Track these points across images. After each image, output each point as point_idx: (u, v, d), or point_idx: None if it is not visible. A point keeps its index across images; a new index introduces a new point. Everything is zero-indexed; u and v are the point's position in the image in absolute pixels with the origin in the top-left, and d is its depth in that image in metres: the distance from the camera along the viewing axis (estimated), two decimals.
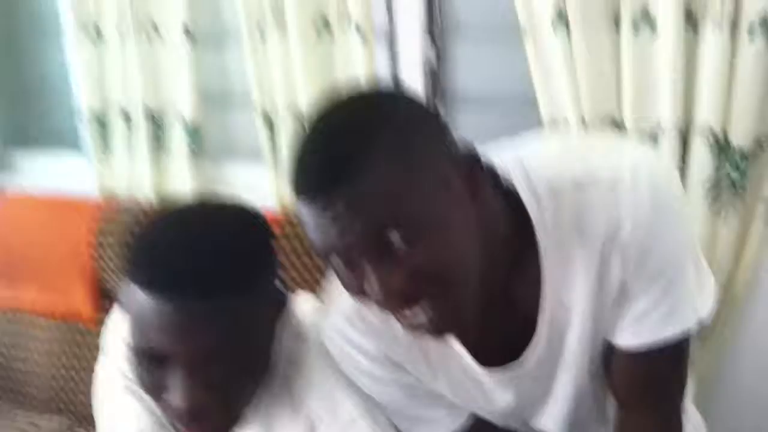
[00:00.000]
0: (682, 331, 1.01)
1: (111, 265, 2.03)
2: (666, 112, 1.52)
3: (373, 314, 1.08)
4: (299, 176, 0.91)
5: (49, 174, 2.49)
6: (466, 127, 1.77)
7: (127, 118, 2.20)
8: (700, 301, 1.04)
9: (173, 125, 2.15)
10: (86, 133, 2.27)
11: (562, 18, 1.56)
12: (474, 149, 0.96)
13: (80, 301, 2.11)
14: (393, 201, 0.87)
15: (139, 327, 1.00)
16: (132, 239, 1.04)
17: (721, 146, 1.51)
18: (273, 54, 1.91)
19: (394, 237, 0.87)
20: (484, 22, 1.83)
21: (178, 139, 2.15)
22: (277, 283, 1.13)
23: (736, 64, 1.45)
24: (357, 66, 1.83)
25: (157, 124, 2.17)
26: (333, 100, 0.95)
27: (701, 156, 1.52)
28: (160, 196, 2.18)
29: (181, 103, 2.10)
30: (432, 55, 1.86)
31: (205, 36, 2.09)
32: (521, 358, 1.07)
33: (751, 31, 1.42)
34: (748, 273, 1.58)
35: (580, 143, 1.18)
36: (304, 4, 1.84)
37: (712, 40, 1.45)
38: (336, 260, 0.92)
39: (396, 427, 1.16)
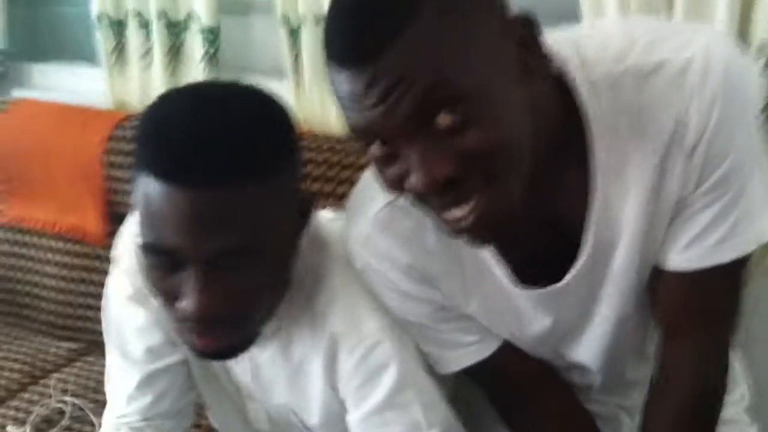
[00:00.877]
0: (740, 256, 0.99)
1: (122, 183, 2.07)
2: (721, 20, 1.47)
3: (407, 222, 1.07)
4: (339, 43, 0.87)
5: (64, 87, 2.51)
6: None
7: (142, 24, 2.21)
8: (765, 221, 0.99)
9: (191, 31, 2.15)
10: (100, 40, 2.28)
11: None
12: (532, 14, 0.91)
13: (90, 220, 2.15)
14: (446, 72, 0.83)
15: (149, 220, 0.97)
16: (142, 118, 1.00)
17: None
18: None
19: (444, 115, 0.84)
20: None
21: (195, 47, 2.15)
22: (302, 189, 1.11)
23: None
24: None
25: (173, 30, 2.18)
26: None
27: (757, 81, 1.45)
28: None
29: (199, 8, 2.09)
30: None
31: None
32: (563, 279, 1.06)
33: None
34: None
35: (647, 26, 1.07)
36: None
37: None
38: (376, 149, 0.90)
39: (422, 351, 1.16)
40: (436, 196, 0.89)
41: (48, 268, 2.24)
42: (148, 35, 2.21)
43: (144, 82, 2.25)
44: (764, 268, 1.48)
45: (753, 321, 1.42)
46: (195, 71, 2.16)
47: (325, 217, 1.22)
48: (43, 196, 2.21)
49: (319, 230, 1.17)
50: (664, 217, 0.99)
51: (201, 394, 1.34)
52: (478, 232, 0.93)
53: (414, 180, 0.87)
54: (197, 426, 1.59)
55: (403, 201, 1.01)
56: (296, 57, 1.97)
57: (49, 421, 1.81)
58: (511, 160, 0.88)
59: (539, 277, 1.07)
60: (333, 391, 1.15)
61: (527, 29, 0.89)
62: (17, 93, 2.53)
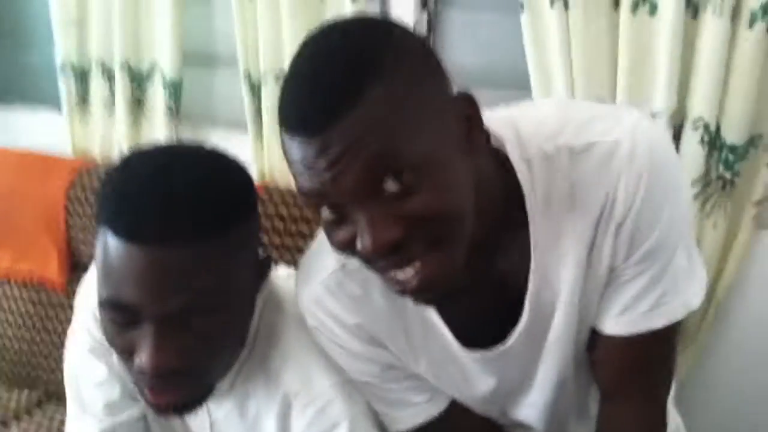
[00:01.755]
0: (671, 322, 1.06)
1: (84, 231, 2.11)
2: (660, 101, 1.57)
3: (355, 285, 1.12)
4: (292, 111, 0.89)
5: (26, 132, 2.53)
6: None
7: (106, 73, 2.26)
8: (690, 291, 1.07)
9: (153, 83, 2.21)
10: (64, 88, 2.32)
11: None
12: (470, 92, 0.96)
13: (52, 268, 2.17)
14: (394, 142, 0.86)
15: (108, 276, 0.99)
16: (104, 178, 1.03)
17: (714, 143, 1.57)
18: (261, 13, 1.95)
19: (391, 182, 0.87)
20: None
21: (157, 98, 2.20)
22: (260, 249, 1.14)
23: (734, 54, 1.51)
24: None
25: (137, 81, 2.23)
26: (326, 26, 0.93)
27: (693, 152, 1.58)
28: None
29: (163, 61, 2.15)
30: (424, 21, 1.91)
31: None
32: (506, 341, 1.11)
33: (751, 19, 1.47)
34: (733, 276, 1.65)
35: (578, 108, 1.15)
36: None
37: (711, 27, 1.50)
38: (326, 212, 0.92)
39: (370, 414, 1.21)
40: (382, 259, 0.91)
41: (7, 316, 2.24)
42: (111, 85, 2.25)
43: (106, 132, 2.29)
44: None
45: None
46: (157, 122, 2.21)
47: (281, 275, 1.27)
48: (2, 242, 2.22)
49: (274, 288, 1.22)
50: (598, 283, 1.05)
51: None
52: (422, 293, 0.95)
53: (362, 243, 0.89)
54: None
55: (352, 265, 1.07)
56: (257, 111, 2.03)
57: None
58: (455, 225, 0.91)
59: (484, 338, 1.12)
60: None
61: (469, 106, 0.95)
62: None
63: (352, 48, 0.88)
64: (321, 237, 1.13)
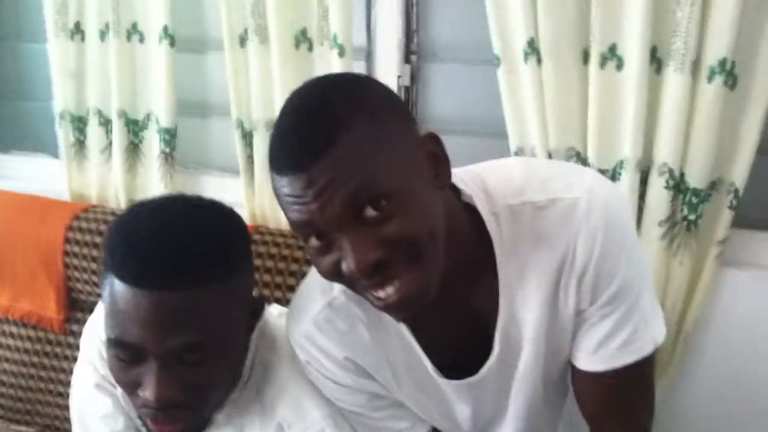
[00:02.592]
0: (642, 357, 1.14)
1: (81, 271, 2.15)
2: (627, 149, 1.67)
3: (342, 321, 1.20)
4: (281, 152, 1.00)
5: (24, 178, 2.57)
6: None
7: (102, 121, 2.32)
8: (657, 328, 1.17)
9: (149, 130, 2.27)
10: (62, 135, 2.38)
11: (533, 49, 1.69)
12: (436, 135, 1.07)
13: (50, 308, 2.21)
14: (370, 175, 0.96)
15: (115, 317, 1.07)
16: (110, 227, 1.12)
17: (678, 187, 1.66)
18: (252, 65, 2.03)
19: (370, 210, 0.97)
20: (460, 48, 1.98)
21: (152, 145, 2.27)
22: (255, 291, 1.23)
23: (695, 105, 1.61)
24: None
25: (133, 129, 2.29)
26: (312, 80, 1.06)
27: (659, 196, 1.67)
28: (131, 202, 2.28)
29: (158, 109, 2.22)
30: (407, 75, 2.00)
31: (185, 42, 2.20)
32: (479, 373, 1.19)
33: (710, 74, 1.57)
34: (699, 311, 1.73)
35: (541, 167, 1.30)
36: (286, 18, 1.97)
37: (674, 81, 1.61)
38: (314, 241, 1.01)
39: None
40: (366, 279, 1.00)
41: (5, 353, 2.28)
42: (107, 132, 2.31)
43: (102, 176, 2.35)
44: None
45: None
46: (152, 167, 2.27)
47: (273, 313, 1.35)
48: (1, 281, 2.26)
49: (268, 326, 1.30)
50: (565, 324, 1.14)
51: None
52: (401, 309, 1.04)
53: (347, 265, 0.99)
54: None
55: (339, 302, 1.17)
56: (249, 158, 2.10)
57: None
58: (429, 246, 1.00)
59: (461, 370, 1.20)
60: None
61: (435, 144, 1.05)
62: None
63: (331, 100, 0.99)
64: (308, 279, 1.24)
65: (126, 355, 1.09)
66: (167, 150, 2.23)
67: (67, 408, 2.09)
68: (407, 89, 2.01)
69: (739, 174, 1.63)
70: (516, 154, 1.78)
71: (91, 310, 2.06)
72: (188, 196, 1.20)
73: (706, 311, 1.74)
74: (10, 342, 2.28)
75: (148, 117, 2.26)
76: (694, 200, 1.65)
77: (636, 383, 1.19)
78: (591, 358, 1.15)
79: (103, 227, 2.13)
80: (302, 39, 1.99)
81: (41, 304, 2.21)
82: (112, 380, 1.25)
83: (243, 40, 2.04)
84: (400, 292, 1.01)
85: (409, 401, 1.27)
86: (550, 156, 1.73)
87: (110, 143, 2.32)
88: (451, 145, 1.04)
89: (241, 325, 1.18)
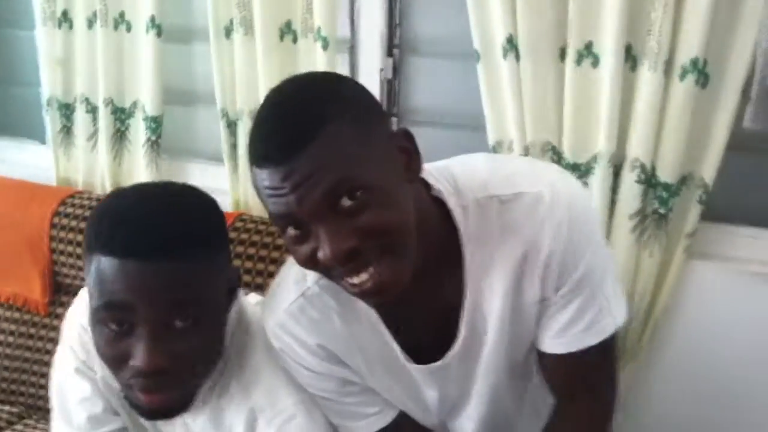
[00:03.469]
0: (603, 338, 1.19)
1: (67, 255, 2.16)
2: (601, 144, 1.69)
3: (315, 311, 1.23)
4: (261, 145, 1.02)
5: (11, 162, 2.58)
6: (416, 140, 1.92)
7: (89, 108, 2.33)
8: (617, 312, 1.20)
9: (135, 118, 2.28)
10: (49, 121, 2.39)
11: (512, 45, 1.71)
12: (408, 130, 1.10)
13: (35, 290, 2.22)
14: (347, 169, 0.99)
15: (102, 288, 1.09)
16: (95, 210, 1.16)
17: (650, 181, 1.69)
18: (238, 56, 2.05)
19: (346, 200, 0.99)
20: (441, 42, 2.00)
21: (138, 133, 2.28)
22: (231, 267, 1.26)
23: (667, 103, 1.63)
24: None
25: (119, 116, 2.30)
26: (290, 78, 1.09)
27: (631, 189, 1.70)
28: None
29: (144, 97, 2.22)
30: (389, 68, 2.01)
31: (172, 31, 2.21)
32: (444, 358, 1.23)
33: (682, 72, 1.60)
34: (668, 300, 1.77)
35: (506, 163, 1.36)
36: (271, 10, 1.98)
37: (647, 78, 1.63)
38: (292, 231, 1.04)
39: (332, 425, 1.30)
40: (340, 266, 1.03)
41: None
42: (94, 119, 2.32)
43: (89, 162, 2.36)
44: None
45: None
46: (137, 155, 2.28)
47: (251, 301, 1.38)
48: None
49: (244, 314, 1.32)
50: (528, 312, 1.18)
51: None
52: (375, 295, 1.07)
53: (323, 253, 1.02)
54: None
55: (312, 292, 1.21)
56: (233, 146, 2.12)
57: None
58: (401, 237, 1.04)
59: (428, 356, 1.24)
60: None
61: (407, 140, 1.09)
62: None
63: (309, 97, 1.03)
64: (283, 272, 1.28)
65: (115, 322, 1.11)
66: (153, 138, 2.24)
67: (48, 387, 2.15)
68: (389, 82, 2.02)
69: (708, 169, 1.65)
70: (494, 147, 1.80)
71: (75, 294, 2.08)
72: (166, 182, 1.27)
73: (674, 300, 1.77)
74: None
75: (134, 105, 2.27)
76: (665, 194, 1.68)
77: (599, 362, 1.23)
78: (556, 342, 1.19)
79: (88, 213, 2.13)
80: (287, 31, 2.00)
81: (26, 287, 2.22)
82: (92, 365, 1.31)
83: (228, 31, 2.05)
84: (373, 279, 1.04)
85: (380, 387, 1.30)
86: (526, 149, 1.75)
87: (97, 130, 2.33)
88: (430, 137, 1.08)
89: (221, 297, 1.21)
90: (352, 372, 1.28)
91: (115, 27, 2.22)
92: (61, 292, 2.21)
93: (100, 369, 1.30)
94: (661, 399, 1.86)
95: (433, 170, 1.15)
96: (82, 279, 2.08)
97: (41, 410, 2.19)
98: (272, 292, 1.29)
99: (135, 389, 1.15)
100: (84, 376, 1.33)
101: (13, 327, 2.26)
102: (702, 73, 1.59)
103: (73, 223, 2.14)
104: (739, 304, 1.77)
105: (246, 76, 2.05)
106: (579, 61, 1.68)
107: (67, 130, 2.40)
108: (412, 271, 1.07)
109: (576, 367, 1.21)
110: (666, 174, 1.67)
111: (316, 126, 0.99)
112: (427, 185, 1.14)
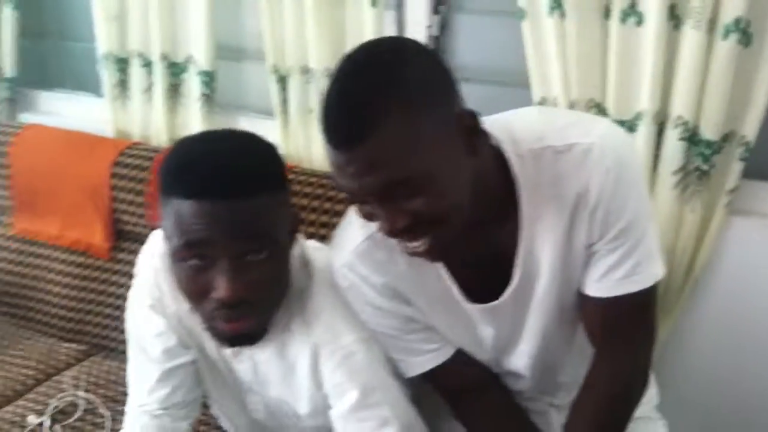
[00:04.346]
0: (642, 288, 1.23)
1: (126, 203, 2.24)
2: (645, 102, 1.70)
3: (381, 252, 1.30)
4: (327, 129, 1.09)
5: (68, 115, 2.66)
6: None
7: (144, 63, 2.38)
8: (657, 265, 1.25)
9: (189, 73, 2.33)
10: (105, 76, 2.45)
11: (558, 3, 1.72)
12: (473, 111, 1.14)
13: (96, 234, 2.31)
14: (403, 161, 1.05)
15: (182, 229, 1.17)
16: (167, 157, 1.22)
17: (692, 138, 1.70)
18: (287, 13, 2.07)
19: (402, 189, 1.07)
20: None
21: (192, 87, 2.33)
22: (292, 208, 1.33)
23: (710, 61, 1.63)
24: (365, 30, 1.99)
25: (173, 71, 2.35)
26: (360, 50, 1.13)
27: (674, 146, 1.71)
28: (172, 140, 2.38)
29: (198, 52, 2.27)
30: (436, 24, 2.03)
31: None
32: (500, 298, 1.29)
33: (725, 32, 1.59)
34: (708, 255, 1.78)
35: (560, 116, 1.43)
36: None
37: (691, 37, 1.62)
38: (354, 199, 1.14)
39: (389, 360, 1.37)
40: (395, 238, 1.14)
41: (54, 277, 2.39)
42: (149, 73, 2.38)
43: (144, 115, 2.42)
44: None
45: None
46: (192, 108, 2.34)
47: (311, 246, 1.44)
48: (50, 212, 2.36)
49: (306, 257, 1.39)
50: (577, 257, 1.23)
51: (207, 389, 1.53)
52: (428, 257, 1.18)
53: (381, 226, 1.12)
54: (206, 424, 1.80)
55: (378, 235, 1.24)
56: (284, 102, 2.16)
57: (64, 412, 1.97)
58: (450, 217, 1.12)
59: (484, 296, 1.30)
60: (317, 388, 1.36)
61: (472, 119, 1.12)
62: (24, 117, 2.67)
63: (372, 84, 1.06)
64: (350, 215, 1.33)
65: (195, 258, 1.18)
66: (207, 92, 2.29)
67: (111, 327, 2.28)
68: (436, 39, 2.04)
69: (750, 127, 1.65)
70: (539, 103, 1.81)
71: (135, 240, 2.20)
72: (230, 129, 1.33)
73: (714, 256, 1.79)
74: (60, 267, 2.38)
75: (188, 60, 2.31)
76: (707, 151, 1.69)
77: (638, 312, 1.28)
78: (597, 285, 1.24)
79: (146, 163, 2.22)
80: None
81: (89, 233, 2.32)
82: (165, 304, 1.39)
83: None
84: (425, 246, 1.15)
85: (439, 324, 1.36)
86: (571, 106, 1.76)
87: (152, 84, 2.38)
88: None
89: (286, 236, 1.28)
90: (415, 310, 1.35)
91: None
92: (121, 238, 2.30)
93: (174, 305, 1.39)
94: (700, 352, 1.89)
95: (491, 123, 1.19)
96: (143, 226, 2.20)
97: (105, 348, 2.31)
98: (339, 235, 1.36)
99: (217, 319, 1.23)
100: (158, 313, 1.41)
101: (76, 271, 2.36)
102: (745, 32, 1.59)
103: (133, 173, 2.22)
104: None
105: (295, 33, 2.07)
106: (624, 19, 1.67)
107: (122, 84, 2.45)
108: (461, 230, 1.14)
109: (614, 315, 1.26)
110: (708, 131, 1.67)
111: (377, 120, 1.04)
112: (486, 136, 1.17)
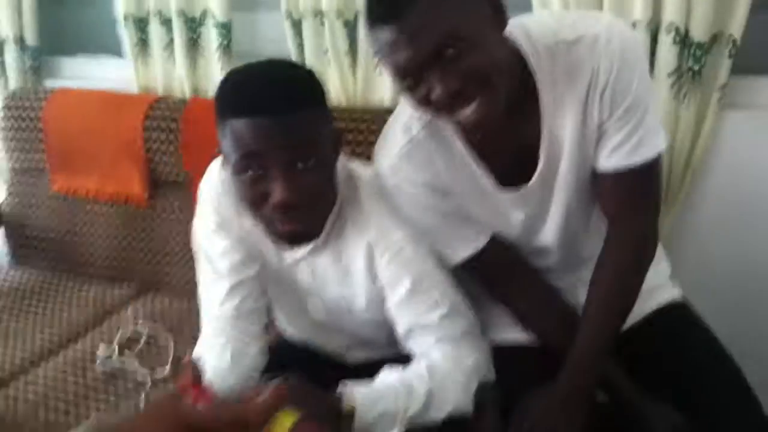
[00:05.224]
0: (650, 158, 1.41)
1: (160, 152, 2.40)
2: (639, 11, 1.85)
3: (422, 153, 1.47)
4: (376, 9, 1.27)
5: (90, 77, 2.79)
6: None
7: (163, 21, 2.51)
8: (659, 140, 1.42)
9: (206, 26, 2.46)
10: (125, 36, 2.58)
11: None
12: None
13: (134, 185, 2.47)
14: (448, 23, 1.23)
15: (239, 144, 1.32)
16: (221, 86, 1.38)
17: (684, 41, 1.85)
18: None
19: (450, 51, 1.24)
20: None
21: (210, 39, 2.46)
22: (334, 126, 1.48)
23: None
24: None
25: (191, 26, 2.48)
26: None
27: (667, 50, 1.87)
28: (195, 91, 2.52)
29: (213, 5, 2.39)
30: None
31: None
32: (529, 183, 1.47)
33: None
34: (704, 148, 1.95)
35: (569, 14, 1.68)
36: None
37: None
38: (409, 80, 1.29)
39: (434, 252, 1.53)
40: (449, 104, 1.29)
41: (97, 228, 2.55)
42: (168, 30, 2.51)
43: (166, 71, 2.56)
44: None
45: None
46: (211, 59, 2.47)
47: (353, 164, 1.59)
48: (86, 169, 2.51)
49: (351, 170, 1.55)
50: (591, 136, 1.40)
51: (270, 296, 1.67)
52: (475, 125, 1.31)
53: (435, 94, 1.27)
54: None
55: (418, 139, 1.45)
56: (300, 46, 2.29)
57: (130, 340, 2.15)
58: (495, 75, 1.28)
59: (514, 183, 1.48)
60: (373, 283, 1.52)
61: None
62: (49, 83, 2.80)
63: None
64: (391, 123, 1.52)
65: (252, 169, 1.33)
66: (224, 43, 2.42)
67: (156, 268, 2.45)
68: None
69: (736, 26, 1.81)
70: (538, 7, 1.94)
71: (170, 187, 2.35)
72: (272, 58, 1.45)
73: (711, 148, 1.95)
74: (102, 219, 2.54)
75: (204, 14, 2.44)
76: (698, 52, 1.84)
77: (644, 183, 1.45)
78: (608, 159, 1.41)
79: (175, 114, 2.37)
80: None
81: (126, 186, 2.47)
82: (228, 224, 1.55)
83: None
84: (475, 113, 1.30)
85: (475, 213, 1.53)
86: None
87: (172, 40, 2.51)
88: None
89: (331, 146, 1.43)
90: (453, 203, 1.51)
91: None
92: (158, 186, 2.45)
93: (236, 225, 1.55)
94: (701, 240, 2.06)
95: (509, 25, 1.35)
96: (177, 173, 2.32)
97: (151, 288, 2.47)
98: (383, 140, 1.53)
99: (275, 222, 1.39)
100: (224, 233, 1.56)
101: (118, 221, 2.52)
102: None
103: (163, 124, 2.37)
104: None
105: None
106: None
107: (143, 43, 2.58)
108: (504, 105, 1.31)
109: (624, 187, 1.43)
110: (698, 34, 1.82)
111: None
112: (506, 17, 1.34)
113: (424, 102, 1.31)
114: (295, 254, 1.55)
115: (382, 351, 1.66)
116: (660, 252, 1.66)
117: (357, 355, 1.75)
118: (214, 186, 1.56)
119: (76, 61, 2.86)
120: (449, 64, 1.25)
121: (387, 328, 1.58)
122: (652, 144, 1.40)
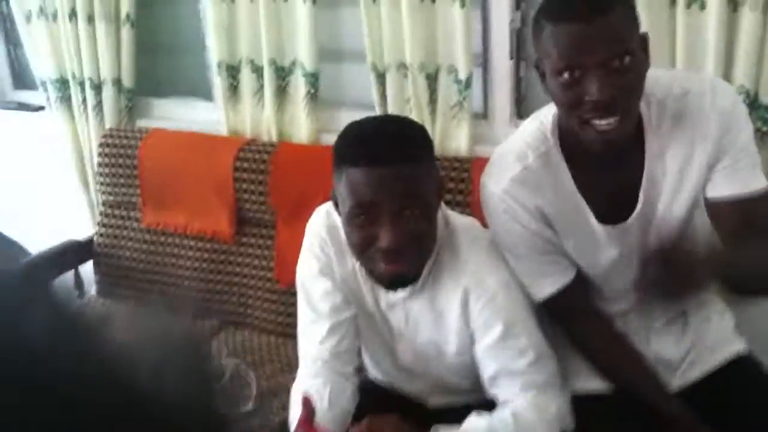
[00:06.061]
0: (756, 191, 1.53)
1: (249, 193, 2.55)
2: (711, 72, 1.96)
3: (533, 181, 1.59)
4: (568, 8, 1.41)
5: (179, 119, 2.96)
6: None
7: (254, 69, 2.68)
8: (761, 178, 1.55)
9: (295, 75, 2.63)
10: (217, 82, 2.75)
11: None
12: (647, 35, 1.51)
13: (222, 222, 2.62)
14: (633, 38, 1.41)
15: (355, 193, 1.46)
16: (341, 137, 1.53)
17: (753, 104, 1.97)
18: (384, 17, 2.35)
19: (616, 62, 1.38)
20: None
21: (298, 87, 2.62)
22: (439, 174, 1.62)
23: (766, 38, 1.90)
24: (455, 28, 2.27)
25: (280, 74, 2.65)
26: None
27: None
28: (281, 136, 2.69)
29: (303, 56, 2.56)
30: (518, 19, 2.32)
31: None
32: (628, 220, 1.59)
33: None
34: None
35: (677, 72, 1.86)
36: None
37: (748, 18, 1.90)
38: (573, 75, 1.41)
39: (526, 297, 1.64)
40: (597, 109, 1.41)
41: (185, 262, 2.70)
42: (259, 78, 2.68)
43: (255, 115, 2.73)
44: None
45: None
46: (298, 106, 2.63)
47: (450, 212, 1.72)
48: (176, 205, 2.68)
49: (448, 219, 1.67)
50: (692, 181, 1.54)
51: (362, 339, 1.77)
52: (610, 135, 1.44)
53: (591, 95, 1.40)
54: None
55: (532, 167, 1.58)
56: (383, 96, 2.43)
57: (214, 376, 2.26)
58: (637, 100, 1.46)
59: (612, 221, 1.60)
60: (466, 327, 1.62)
61: (645, 42, 1.49)
62: (142, 123, 2.98)
63: None
64: (503, 149, 1.66)
65: (364, 215, 1.47)
66: (312, 91, 2.57)
67: (239, 303, 2.57)
68: (518, 31, 2.33)
69: None
70: None
71: (256, 225, 2.50)
72: (387, 114, 1.66)
73: None
74: (189, 254, 2.69)
75: (293, 63, 2.61)
76: (767, 115, 1.96)
77: (758, 212, 1.54)
78: (722, 186, 1.53)
79: (264, 156, 2.52)
80: None
81: (214, 222, 2.62)
82: (332, 267, 1.67)
83: None
84: (615, 126, 1.43)
85: (569, 246, 1.64)
86: None
87: (262, 87, 2.67)
88: None
89: (435, 197, 1.56)
90: (554, 232, 1.63)
91: None
92: (244, 224, 2.61)
93: (339, 269, 1.67)
94: None
95: None
96: (264, 212, 2.46)
97: (234, 323, 2.60)
98: (495, 165, 1.65)
99: (379, 263, 1.51)
100: (326, 276, 1.68)
101: (204, 255, 2.67)
102: None
103: (253, 166, 2.53)
104: None
105: (392, 34, 2.35)
106: (688, 6, 1.95)
107: (233, 88, 2.75)
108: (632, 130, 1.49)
109: (743, 212, 1.53)
110: (767, 97, 1.95)
111: (612, 3, 1.38)
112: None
113: (573, 102, 1.43)
114: (392, 298, 1.65)
115: (464, 396, 1.75)
116: (723, 304, 1.77)
117: (438, 400, 1.82)
118: (320, 230, 1.68)
119: (167, 102, 3.04)
120: (614, 73, 1.39)
121: (471, 374, 1.67)
122: (758, 177, 1.55)
